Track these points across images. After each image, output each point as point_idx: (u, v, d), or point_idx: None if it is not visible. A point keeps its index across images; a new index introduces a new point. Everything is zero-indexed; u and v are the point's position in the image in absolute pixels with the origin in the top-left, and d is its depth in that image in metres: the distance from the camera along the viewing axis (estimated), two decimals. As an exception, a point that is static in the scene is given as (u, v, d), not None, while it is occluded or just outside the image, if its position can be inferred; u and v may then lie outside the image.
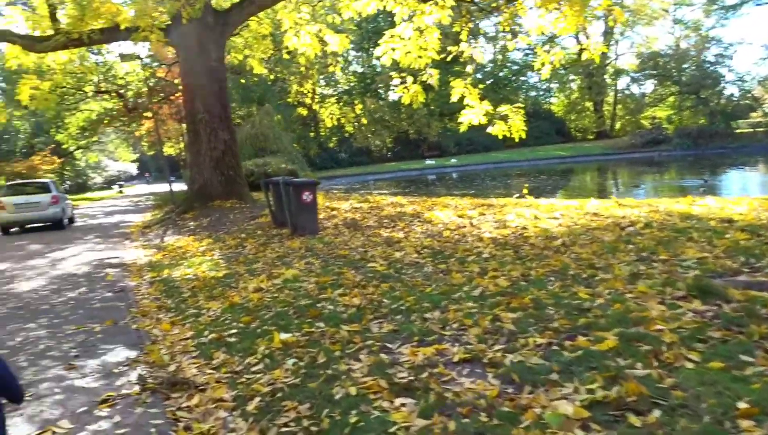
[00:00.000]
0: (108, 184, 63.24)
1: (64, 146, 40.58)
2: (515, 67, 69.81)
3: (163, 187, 57.00)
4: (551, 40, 64.66)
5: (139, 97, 34.04)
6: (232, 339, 4.62)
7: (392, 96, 65.39)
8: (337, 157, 58.34)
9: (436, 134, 60.24)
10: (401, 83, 20.00)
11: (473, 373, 3.44)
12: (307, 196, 9.55)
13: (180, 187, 53.51)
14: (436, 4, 14.33)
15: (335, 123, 20.60)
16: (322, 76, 45.86)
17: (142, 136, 48.05)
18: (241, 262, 7.83)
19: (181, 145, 49.97)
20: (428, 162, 48.70)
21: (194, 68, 15.86)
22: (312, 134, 59.23)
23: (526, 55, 67.65)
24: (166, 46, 15.22)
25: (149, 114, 29.09)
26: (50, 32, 16.09)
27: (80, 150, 48.34)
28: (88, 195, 50.67)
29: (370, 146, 62.55)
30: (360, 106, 19.41)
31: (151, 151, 56.38)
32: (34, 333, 5.40)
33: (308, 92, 21.01)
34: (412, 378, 3.42)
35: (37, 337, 5.27)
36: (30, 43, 16.01)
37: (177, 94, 28.89)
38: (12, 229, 17.69)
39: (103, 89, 32.47)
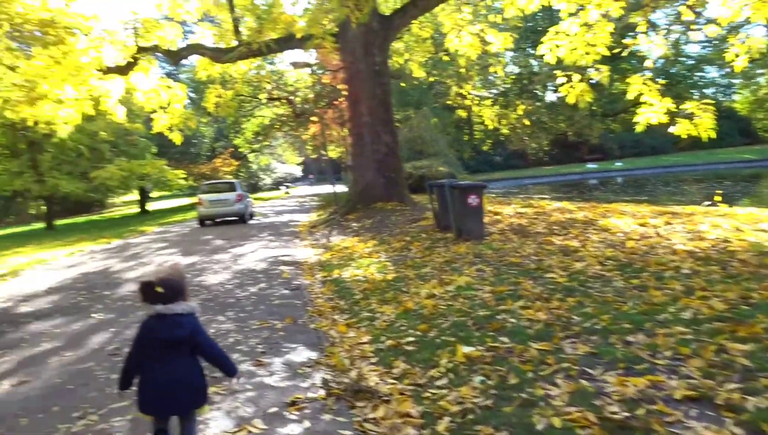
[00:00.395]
0: (276, 185, 68.50)
1: (240, 150, 44.62)
2: (690, 62, 63.43)
3: (324, 189, 60.55)
4: (735, 29, 57.65)
5: (305, 102, 36.32)
6: (411, 348, 4.46)
7: (549, 96, 63.03)
8: (491, 160, 57.43)
9: (598, 136, 56.70)
10: (566, 81, 19.05)
11: (705, 416, 2.88)
12: (473, 199, 9.25)
13: (340, 188, 56.28)
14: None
15: (496, 125, 20.02)
16: (479, 78, 45.53)
17: (307, 140, 51.41)
18: (409, 266, 7.75)
19: (342, 148, 52.69)
20: (590, 166, 45.87)
21: (359, 72, 16.35)
22: (466, 137, 58.99)
23: (704, 48, 61.35)
24: (333, 52, 15.88)
25: (315, 118, 30.84)
26: (233, 44, 17.63)
27: (253, 153, 52.94)
28: (260, 195, 55.28)
29: (526, 149, 60.67)
30: (522, 107, 18.81)
31: (314, 155, 60.03)
32: (224, 326, 5.73)
33: (468, 94, 20.72)
34: (627, 414, 2.95)
35: (227, 329, 5.59)
36: (217, 55, 17.65)
37: (340, 100, 30.26)
38: (206, 222, 20.54)
39: (275, 96, 35.09)
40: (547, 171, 45.91)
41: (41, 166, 27.72)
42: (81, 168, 29.40)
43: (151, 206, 42.81)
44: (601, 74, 19.08)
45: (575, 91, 18.61)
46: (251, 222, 20.29)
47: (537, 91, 60.07)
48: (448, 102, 31.27)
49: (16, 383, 4.47)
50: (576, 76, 18.77)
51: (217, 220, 20.37)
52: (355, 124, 16.68)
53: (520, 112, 19.97)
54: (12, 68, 10.79)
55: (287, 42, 17.24)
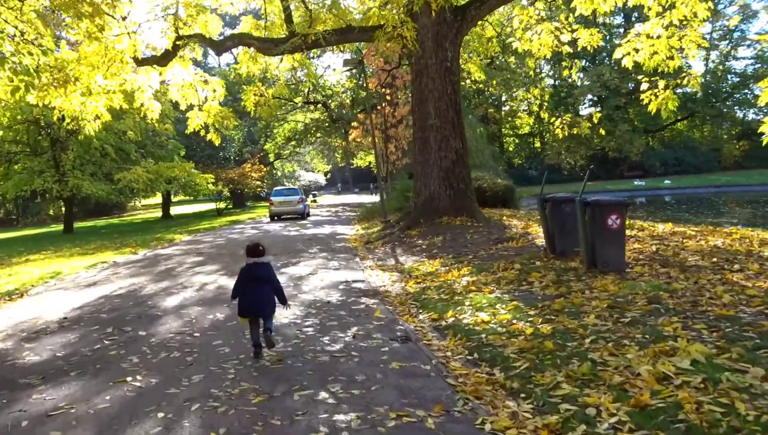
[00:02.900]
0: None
1: (270, 155, 42.83)
2: (736, 79, 60.46)
3: (352, 198, 58.69)
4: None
5: (342, 107, 34.42)
6: None
7: (585, 109, 60.47)
8: (527, 174, 54.99)
9: (639, 153, 54.03)
10: (648, 88, 16.83)
11: None
12: (613, 220, 7.08)
13: (367, 198, 54.25)
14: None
15: (566, 133, 17.83)
16: (523, 87, 43.39)
17: (337, 148, 49.53)
18: (558, 311, 5.57)
19: (369, 158, 50.69)
20: (637, 182, 43.25)
21: (428, 69, 14.29)
22: (497, 149, 56.74)
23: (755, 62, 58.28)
24: (399, 46, 13.83)
25: (356, 123, 28.90)
26: (284, 35, 15.70)
27: (279, 160, 51.19)
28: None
29: (562, 163, 58.15)
30: (599, 115, 16.64)
31: (343, 163, 58.12)
32: (339, 419, 3.57)
33: (537, 99, 18.56)
34: None
35: (341, 429, 3.43)
36: (266, 46, 15.71)
37: (383, 105, 28.29)
38: (275, 217, 26.43)
39: (311, 100, 33.24)
40: (590, 187, 43.27)
41: (64, 165, 26.05)
42: (105, 168, 27.73)
43: (172, 211, 41.14)
44: (694, 78, 16.89)
45: (658, 100, 16.44)
46: (293, 235, 18.26)
47: (575, 104, 57.66)
48: (490, 111, 29.41)
49: None
50: (661, 83, 16.64)
51: (283, 217, 26.48)
52: (420, 127, 14.58)
53: (595, 121, 17.72)
54: (41, 48, 8.90)
55: (345, 34, 15.26)
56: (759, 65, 56.59)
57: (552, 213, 8.33)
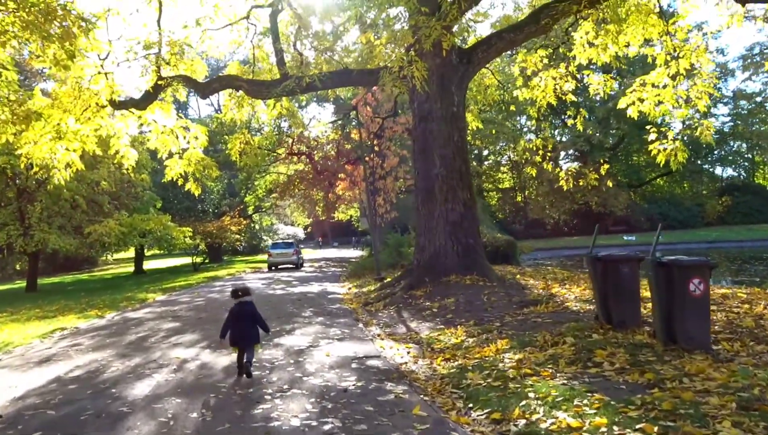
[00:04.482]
0: (280, 246, 64.72)
1: (249, 208, 41.31)
2: (716, 136, 61.50)
3: (333, 253, 57.03)
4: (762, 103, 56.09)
5: (326, 159, 33.36)
6: None
7: (565, 164, 60.60)
8: (511, 228, 54.18)
9: (624, 207, 53.88)
10: (656, 139, 16.02)
11: None
12: (696, 285, 5.79)
13: (348, 252, 52.61)
14: None
15: (571, 186, 16.85)
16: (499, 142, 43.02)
17: (318, 200, 48.25)
18: (668, 411, 4.15)
19: (350, 211, 49.46)
20: (627, 238, 42.57)
21: (432, 114, 13.22)
22: (487, 202, 56.06)
23: (731, 120, 59.40)
24: (402, 89, 12.77)
25: (342, 175, 27.73)
26: (277, 77, 14.60)
27: (257, 213, 49.52)
28: (265, 256, 51.59)
29: (546, 218, 57.67)
30: (607, 166, 15.83)
31: (323, 217, 56.71)
32: None
33: (539, 148, 17.68)
34: None
35: None
36: (257, 89, 14.55)
37: (371, 156, 27.31)
38: (273, 267, 29.81)
39: (295, 151, 32.14)
40: (576, 241, 42.46)
41: (30, 218, 24.17)
42: (75, 221, 25.84)
43: (146, 265, 38.97)
44: (704, 130, 16.15)
45: (666, 151, 15.59)
46: (280, 295, 16.65)
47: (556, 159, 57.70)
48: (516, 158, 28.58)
49: None
50: (670, 134, 15.88)
51: (280, 266, 29.61)
52: (424, 177, 13.38)
53: (603, 173, 16.81)
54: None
55: (343, 76, 14.23)
56: (738, 122, 57.77)
57: (605, 274, 7.01)
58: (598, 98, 54.03)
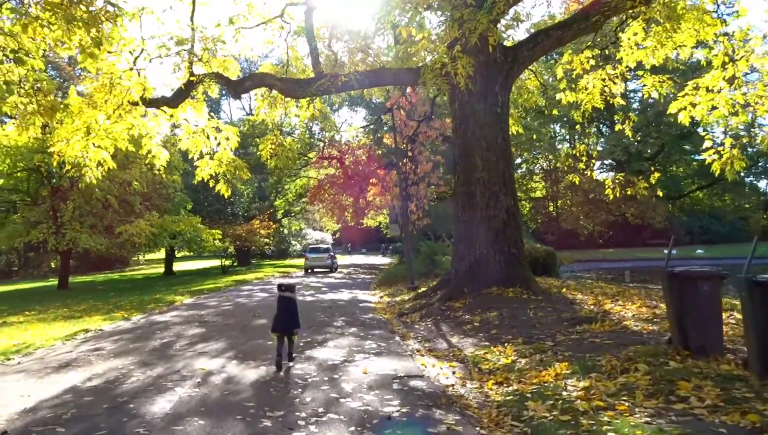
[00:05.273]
0: (306, 252, 64.50)
1: (279, 212, 41.06)
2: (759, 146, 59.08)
3: (361, 259, 56.47)
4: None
5: (356, 163, 32.85)
6: None
7: (599, 174, 58.94)
8: (543, 238, 52.87)
9: (662, 220, 52.05)
10: (712, 147, 14.98)
11: None
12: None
13: (376, 259, 51.94)
14: None
15: (618, 195, 15.89)
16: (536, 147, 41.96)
17: (347, 206, 47.76)
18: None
19: (379, 218, 48.80)
20: (666, 251, 40.71)
21: (475, 115, 12.51)
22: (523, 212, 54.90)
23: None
24: (443, 87, 12.08)
25: (375, 180, 27.13)
26: (311, 75, 14.10)
27: (287, 217, 49.25)
28: (291, 262, 51.31)
29: (579, 229, 56.15)
30: (658, 175, 14.85)
31: (352, 222, 56.19)
32: None
33: (582, 155, 16.77)
34: None
35: None
36: (291, 87, 14.05)
37: (404, 161, 26.63)
38: (309, 270, 31.77)
39: (326, 155, 31.70)
40: (615, 254, 40.96)
41: (62, 216, 24.17)
42: (107, 221, 25.78)
43: (175, 267, 38.98)
44: (766, 138, 15.11)
45: (721, 160, 14.52)
46: (312, 301, 16.08)
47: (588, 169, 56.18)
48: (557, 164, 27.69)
49: None
50: (728, 142, 14.80)
51: (315, 269, 31.58)
52: (464, 182, 12.65)
53: (653, 181, 15.82)
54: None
55: (379, 75, 13.64)
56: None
57: (682, 292, 6.18)
58: (636, 106, 52.45)
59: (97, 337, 10.10)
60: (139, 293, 20.44)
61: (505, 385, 6.03)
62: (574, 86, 16.41)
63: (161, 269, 38.56)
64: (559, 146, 60.01)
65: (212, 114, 17.31)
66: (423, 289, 15.64)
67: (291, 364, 7.07)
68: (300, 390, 5.87)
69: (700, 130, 53.24)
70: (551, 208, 62.83)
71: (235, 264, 38.34)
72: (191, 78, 13.31)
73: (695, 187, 58.30)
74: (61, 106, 8.56)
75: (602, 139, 57.46)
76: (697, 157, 56.71)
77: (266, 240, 37.51)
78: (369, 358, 7.52)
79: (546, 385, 5.75)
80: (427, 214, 28.04)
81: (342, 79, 13.04)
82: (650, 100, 45.72)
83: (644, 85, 14.67)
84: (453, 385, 6.19)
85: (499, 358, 7.22)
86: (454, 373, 6.75)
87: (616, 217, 55.00)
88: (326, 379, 6.35)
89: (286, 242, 59.02)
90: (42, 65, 8.10)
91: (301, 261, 50.76)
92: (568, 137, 60.55)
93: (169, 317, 12.70)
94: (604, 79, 15.48)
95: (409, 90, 25.55)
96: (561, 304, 10.74)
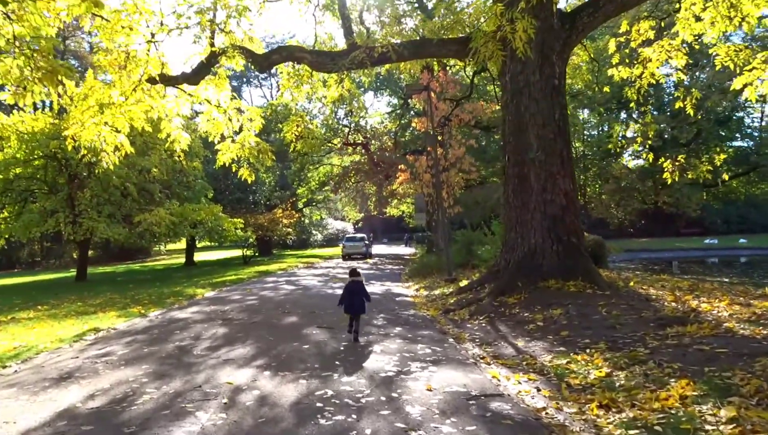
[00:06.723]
0: (327, 242, 63.62)
1: (302, 200, 39.98)
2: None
3: (382, 248, 55.28)
4: None
5: (383, 150, 31.52)
6: None
7: (635, 162, 56.68)
8: (573, 228, 51.00)
9: (697, 208, 49.84)
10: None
11: None
12: None
13: (400, 249, 50.76)
14: None
15: (677, 178, 14.36)
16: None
17: (369, 196, 46.46)
18: None
19: (403, 207, 47.43)
20: (708, 241, 38.91)
21: (529, 87, 11.10)
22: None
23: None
24: (498, 54, 10.62)
25: (403, 166, 25.77)
26: (343, 47, 12.78)
27: (308, 207, 48.16)
28: (317, 251, 50.27)
29: (609, 218, 54.21)
30: (723, 156, 13.39)
31: (375, 212, 54.95)
32: None
33: (638, 135, 15.18)
34: None
35: None
36: (322, 61, 12.75)
37: (436, 145, 25.21)
38: (346, 257, 33.96)
39: (350, 142, 30.41)
40: (652, 244, 38.97)
41: (79, 205, 23.26)
42: (125, 210, 24.84)
43: (196, 257, 38.14)
44: None
45: None
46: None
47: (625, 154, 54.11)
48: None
49: None
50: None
51: (352, 255, 33.91)
52: (516, 162, 11.27)
53: (718, 164, 14.27)
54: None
55: (421, 46, 12.27)
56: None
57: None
58: (670, 90, 50.07)
59: (108, 338, 8.97)
60: (159, 285, 19.44)
61: (614, 410, 4.71)
62: (627, 61, 14.93)
63: (182, 259, 37.76)
64: (586, 133, 57.98)
65: (234, 95, 16.11)
66: (464, 281, 14.32)
67: (361, 341, 7.96)
68: (354, 417, 4.61)
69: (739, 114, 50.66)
70: (578, 197, 60.81)
71: (257, 254, 37.37)
72: (213, 49, 12.08)
73: (732, 174, 55.78)
74: (63, 69, 7.38)
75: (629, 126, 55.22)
76: (733, 144, 54.44)
77: (289, 229, 36.43)
78: (428, 369, 6.24)
79: (673, 412, 4.42)
80: (458, 202, 26.66)
81: (379, 50, 11.70)
82: (686, 82, 43.77)
83: (716, 55, 13.08)
84: (545, 408, 4.88)
85: (589, 370, 5.90)
86: (538, 389, 5.45)
87: (648, 206, 52.94)
88: (383, 398, 5.09)
89: (308, 232, 58.05)
90: (41, 22, 6.92)
91: (323, 251, 49.96)
92: (593, 122, 58.41)
93: (189, 313, 11.57)
94: (667, 50, 13.95)
95: (441, 75, 24.13)
96: (635, 300, 9.36)
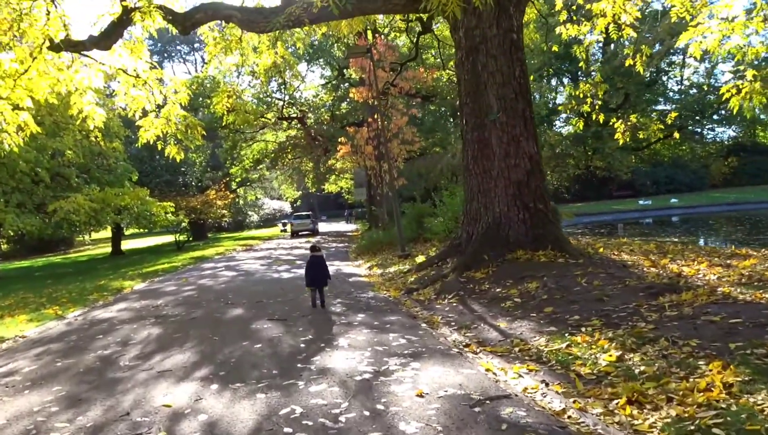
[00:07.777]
0: (264, 222, 61.67)
1: (236, 180, 38.05)
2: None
3: (322, 226, 53.99)
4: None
5: (320, 123, 30.11)
6: None
7: (558, 128, 57.70)
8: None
9: (628, 171, 51.39)
10: (732, 79, 13.05)
11: None
12: None
13: (340, 226, 49.72)
14: None
15: (628, 140, 13.97)
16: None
17: (306, 172, 44.88)
18: None
19: (341, 183, 46.22)
20: (642, 202, 39.99)
21: (486, 42, 10.16)
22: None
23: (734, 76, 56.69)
24: (455, 6, 9.55)
25: (343, 139, 24.50)
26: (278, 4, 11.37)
27: (243, 186, 46.16)
28: (254, 233, 48.31)
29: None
30: (675, 114, 12.90)
31: (313, 189, 53.37)
32: None
33: (586, 96, 14.71)
34: None
35: None
36: (253, 19, 11.29)
37: (373, 117, 24.15)
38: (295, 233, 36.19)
39: (286, 115, 28.78)
40: (589, 208, 39.64)
41: (-18, 195, 20.73)
42: (38, 198, 22.42)
43: (124, 245, 35.59)
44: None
45: (741, 94, 12.70)
46: (298, 269, 13.70)
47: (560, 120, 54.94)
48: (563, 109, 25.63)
49: None
50: (750, 74, 12.94)
51: (299, 232, 36.11)
52: (475, 125, 10.37)
53: (669, 122, 13.88)
54: None
55: (365, 1, 11.02)
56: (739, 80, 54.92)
57: None
58: (598, 56, 50.97)
59: (13, 350, 7.48)
60: (81, 279, 17.52)
61: (648, 406, 3.90)
62: (574, 18, 14.30)
63: (109, 249, 35.13)
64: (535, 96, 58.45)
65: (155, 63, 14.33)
66: (421, 257, 13.47)
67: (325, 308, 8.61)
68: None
69: (665, 78, 52.15)
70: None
71: (191, 239, 35.30)
72: (125, 4, 10.41)
73: (655, 138, 57.75)
74: None
75: (560, 90, 56.00)
76: (657, 108, 56.31)
77: (224, 211, 34.53)
78: (410, 365, 5.26)
79: (723, 407, 3.64)
80: (401, 174, 25.77)
81: (318, 4, 10.38)
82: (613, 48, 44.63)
83: (671, 7, 12.59)
84: (565, 410, 4.01)
85: (596, 355, 5.10)
86: (546, 384, 4.59)
87: (581, 171, 54.13)
88: (367, 413, 4.07)
89: (243, 213, 55.91)
90: None
91: (261, 232, 48.21)
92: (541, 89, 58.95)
93: (115, 312, 10.09)
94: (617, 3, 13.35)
95: (379, 41, 22.94)
96: (612, 267, 8.73)
